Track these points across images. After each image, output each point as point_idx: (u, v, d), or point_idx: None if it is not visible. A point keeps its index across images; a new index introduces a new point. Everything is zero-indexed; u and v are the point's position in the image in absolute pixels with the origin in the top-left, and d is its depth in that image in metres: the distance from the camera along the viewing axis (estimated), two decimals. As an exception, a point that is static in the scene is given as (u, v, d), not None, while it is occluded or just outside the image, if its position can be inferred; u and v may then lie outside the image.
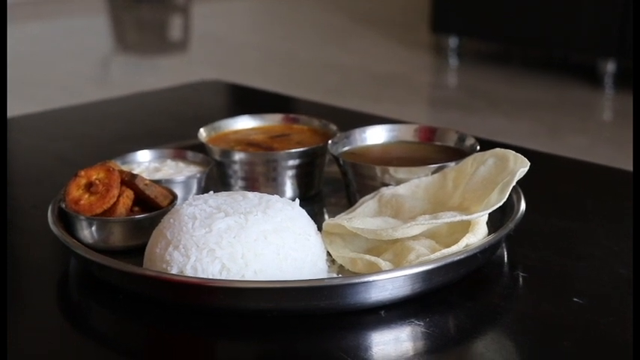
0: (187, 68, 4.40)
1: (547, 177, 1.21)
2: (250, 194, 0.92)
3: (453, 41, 4.13)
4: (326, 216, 1.08)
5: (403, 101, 3.65)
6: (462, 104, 3.60)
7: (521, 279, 0.93)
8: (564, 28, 3.66)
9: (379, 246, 0.94)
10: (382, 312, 0.85)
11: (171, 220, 0.89)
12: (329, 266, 0.92)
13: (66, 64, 4.52)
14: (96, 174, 0.98)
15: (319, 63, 4.36)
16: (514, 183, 0.92)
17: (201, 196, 0.93)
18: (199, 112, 1.57)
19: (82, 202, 0.96)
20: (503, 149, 0.98)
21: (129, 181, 0.98)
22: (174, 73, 4.28)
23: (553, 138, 3.14)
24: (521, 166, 0.93)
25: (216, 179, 1.13)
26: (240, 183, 1.11)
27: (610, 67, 3.55)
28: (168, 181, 1.04)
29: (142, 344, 0.86)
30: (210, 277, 0.84)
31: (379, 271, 0.86)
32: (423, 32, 4.60)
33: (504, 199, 0.91)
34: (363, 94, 3.74)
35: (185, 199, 1.03)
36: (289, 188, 1.11)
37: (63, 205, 0.98)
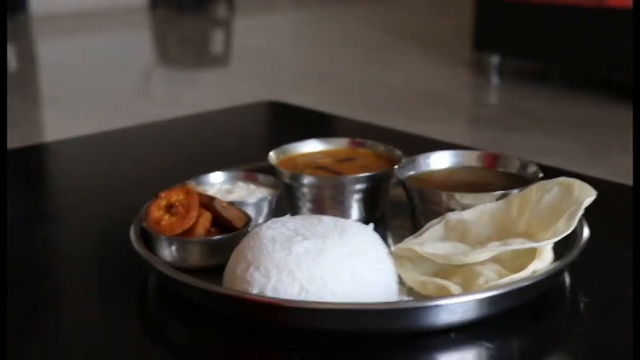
0: (228, 82, 4.45)
1: (608, 204, 1.23)
2: (325, 218, 0.96)
3: (494, 59, 4.16)
4: (390, 239, 1.12)
5: (445, 119, 3.68)
6: (503, 122, 3.62)
7: (583, 305, 0.96)
8: (607, 47, 3.68)
9: (446, 270, 0.97)
10: (452, 334, 0.89)
11: (251, 243, 0.93)
12: (399, 288, 0.95)
13: (110, 77, 4.59)
14: (176, 196, 1.02)
15: (362, 80, 4.40)
16: (582, 212, 0.95)
17: (279, 219, 0.96)
18: (261, 132, 1.61)
19: (162, 222, 1.01)
20: (568, 178, 1.01)
21: (207, 203, 1.02)
22: (215, 88, 4.34)
23: (596, 158, 3.15)
24: (587, 196, 0.96)
25: (284, 201, 1.17)
26: (307, 205, 1.15)
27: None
28: (241, 203, 1.08)
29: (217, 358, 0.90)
30: (290, 297, 0.88)
31: (451, 294, 0.90)
32: (465, 50, 4.63)
33: (572, 227, 0.94)
34: (407, 112, 3.77)
35: (257, 220, 1.08)
36: (355, 211, 1.15)
37: (144, 225, 1.03)
